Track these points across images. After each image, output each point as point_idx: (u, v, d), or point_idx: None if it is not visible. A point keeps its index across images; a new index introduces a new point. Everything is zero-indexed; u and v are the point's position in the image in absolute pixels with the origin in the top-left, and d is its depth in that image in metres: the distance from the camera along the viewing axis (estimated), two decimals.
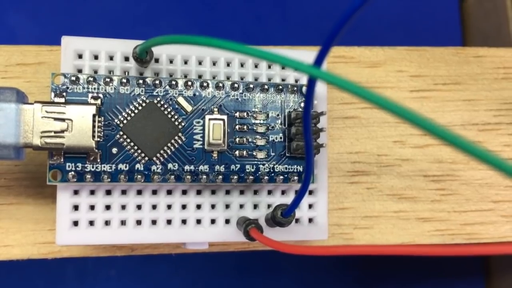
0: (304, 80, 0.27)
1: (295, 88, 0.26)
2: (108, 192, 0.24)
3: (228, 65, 0.26)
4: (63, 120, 0.22)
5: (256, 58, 0.23)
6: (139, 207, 0.25)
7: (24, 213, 0.27)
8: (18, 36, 0.43)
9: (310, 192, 0.26)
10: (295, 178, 0.25)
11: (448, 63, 0.31)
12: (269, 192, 0.26)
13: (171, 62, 0.25)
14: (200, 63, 0.26)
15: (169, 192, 0.25)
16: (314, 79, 0.18)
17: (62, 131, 0.22)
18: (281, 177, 0.25)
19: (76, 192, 0.24)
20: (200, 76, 0.26)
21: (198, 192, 0.25)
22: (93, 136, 0.22)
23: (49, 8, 0.45)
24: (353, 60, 0.30)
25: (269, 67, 0.26)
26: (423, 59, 0.31)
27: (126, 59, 0.25)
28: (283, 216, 0.23)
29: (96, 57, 0.25)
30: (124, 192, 0.25)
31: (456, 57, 0.31)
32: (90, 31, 0.45)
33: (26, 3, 0.44)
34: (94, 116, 0.22)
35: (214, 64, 0.26)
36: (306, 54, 0.27)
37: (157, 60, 0.25)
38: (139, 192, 0.25)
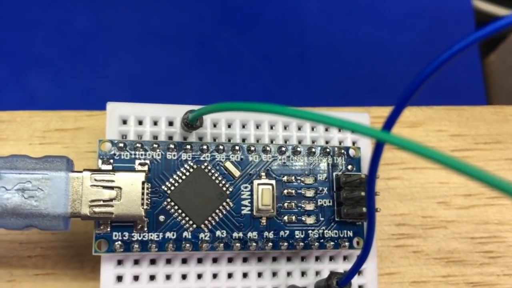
0: (348, 142, 0.26)
1: (342, 151, 0.25)
2: (153, 262, 0.24)
3: (271, 128, 0.26)
4: (112, 188, 0.21)
5: (320, 124, 0.23)
6: (184, 276, 0.24)
7: (61, 284, 0.26)
8: (54, 101, 0.44)
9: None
10: (346, 244, 0.24)
11: (488, 122, 0.31)
12: (317, 259, 0.25)
13: (214, 126, 0.25)
14: (243, 126, 0.25)
15: (215, 260, 0.24)
16: (382, 144, 0.17)
17: (111, 200, 0.21)
18: (332, 243, 0.24)
19: (120, 262, 0.23)
20: (244, 140, 0.25)
21: (244, 260, 0.24)
22: (142, 204, 0.22)
23: (71, 73, 0.46)
24: None
25: (313, 129, 0.26)
26: (462, 118, 0.31)
27: (170, 123, 0.25)
28: (339, 285, 0.22)
29: (140, 123, 0.24)
30: (169, 261, 0.24)
31: (495, 115, 0.31)
32: (115, 93, 0.45)
33: (55, 69, 0.45)
34: (143, 183, 0.22)
35: (257, 127, 0.26)
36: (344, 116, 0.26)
37: None
38: (184, 261, 0.24)
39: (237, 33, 0.48)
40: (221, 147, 0.24)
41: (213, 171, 0.24)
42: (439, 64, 0.15)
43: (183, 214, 0.23)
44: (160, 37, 0.47)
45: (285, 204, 0.24)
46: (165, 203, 0.23)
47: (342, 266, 0.25)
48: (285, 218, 0.24)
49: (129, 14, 0.47)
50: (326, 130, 0.26)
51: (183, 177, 0.23)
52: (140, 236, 0.22)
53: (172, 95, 0.46)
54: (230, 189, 0.24)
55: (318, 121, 0.17)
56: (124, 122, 0.24)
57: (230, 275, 0.24)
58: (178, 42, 0.47)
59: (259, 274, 0.24)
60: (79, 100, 0.43)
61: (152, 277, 0.23)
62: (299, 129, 0.26)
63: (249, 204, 0.24)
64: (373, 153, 0.18)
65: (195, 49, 0.47)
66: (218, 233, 0.23)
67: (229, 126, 0.25)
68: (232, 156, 0.24)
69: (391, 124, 0.17)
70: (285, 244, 0.24)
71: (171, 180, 0.23)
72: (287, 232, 0.24)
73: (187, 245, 0.23)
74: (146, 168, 0.23)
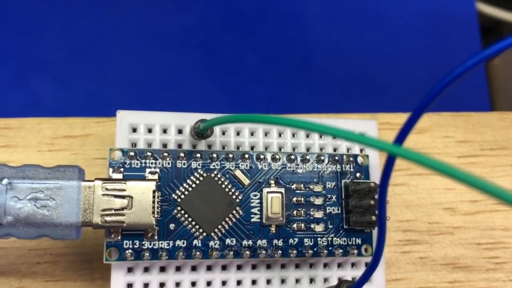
0: (356, 149, 0.26)
1: (351, 158, 0.25)
2: (163, 269, 0.24)
3: (280, 135, 0.26)
4: (123, 197, 0.22)
5: (331, 136, 0.23)
6: (193, 283, 0.24)
7: None
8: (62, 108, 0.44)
9: (366, 265, 0.26)
10: (355, 251, 0.24)
11: (494, 128, 0.31)
12: (325, 265, 0.25)
13: (223, 133, 0.25)
14: (252, 134, 0.26)
15: (224, 268, 0.24)
16: (394, 156, 0.17)
17: (122, 209, 0.21)
18: (340, 250, 0.24)
19: (130, 270, 0.23)
20: (253, 147, 0.25)
21: (253, 267, 0.25)
22: (153, 213, 0.22)
23: (77, 77, 0.46)
24: (399, 126, 0.30)
25: (321, 136, 0.26)
26: (468, 124, 0.31)
27: (180, 131, 0.25)
28: None
29: (150, 131, 0.25)
30: (178, 269, 0.24)
31: (501, 122, 0.31)
32: (118, 98, 0.45)
33: (66, 76, 0.45)
34: (154, 192, 0.22)
35: (266, 135, 0.26)
36: (347, 123, 0.27)
37: None
38: (194, 268, 0.24)
39: (242, 37, 0.48)
40: (230, 155, 0.24)
41: (222, 179, 0.24)
42: (450, 80, 0.15)
43: (193, 222, 0.23)
44: (164, 40, 0.47)
45: (294, 212, 0.24)
46: (175, 211, 0.23)
47: (350, 273, 0.25)
48: (294, 226, 0.24)
49: (134, 18, 0.47)
50: (334, 137, 0.26)
51: (193, 185, 0.23)
52: (150, 245, 0.22)
53: (177, 98, 0.46)
54: (240, 197, 0.24)
55: (329, 133, 0.17)
56: (134, 130, 0.24)
57: (239, 282, 0.24)
58: (183, 45, 0.47)
59: (268, 281, 0.25)
60: (83, 101, 0.44)
61: (162, 285, 0.24)
62: (307, 136, 0.26)
63: (259, 212, 0.24)
64: (384, 166, 0.18)
65: (200, 52, 0.47)
66: (228, 241, 0.23)
67: (238, 133, 0.25)
68: (242, 164, 0.24)
69: (402, 138, 0.17)
70: (294, 251, 0.24)
71: (181, 188, 0.23)
72: (296, 240, 0.24)
73: (197, 253, 0.23)
74: (156, 176, 0.23)
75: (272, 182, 0.24)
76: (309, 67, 0.48)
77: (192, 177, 0.23)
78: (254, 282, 0.24)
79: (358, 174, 0.25)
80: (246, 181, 0.24)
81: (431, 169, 0.16)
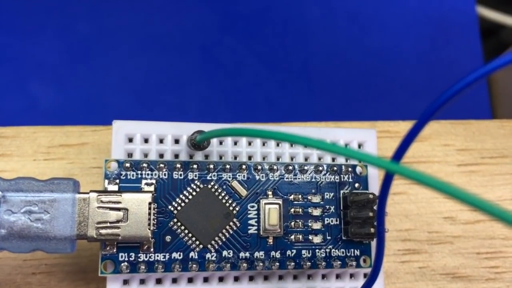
0: (354, 160, 0.26)
1: (349, 169, 0.25)
2: (159, 281, 0.23)
3: (278, 145, 0.26)
4: (118, 209, 0.21)
5: (332, 154, 0.23)
6: None
7: None
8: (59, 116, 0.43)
9: (364, 276, 0.25)
10: (353, 263, 0.24)
11: (494, 136, 0.30)
12: (323, 277, 0.25)
13: (220, 143, 0.25)
14: (250, 144, 0.25)
15: (221, 280, 0.24)
16: (392, 174, 0.17)
17: (118, 221, 0.21)
18: (339, 262, 0.24)
19: (126, 282, 0.23)
20: (250, 157, 0.25)
21: (251, 279, 0.24)
22: (149, 225, 0.22)
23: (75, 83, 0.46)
24: (398, 134, 0.30)
25: None
26: (468, 132, 0.30)
27: (176, 141, 0.24)
28: None
29: (146, 141, 0.24)
30: (175, 281, 0.24)
31: (502, 130, 0.31)
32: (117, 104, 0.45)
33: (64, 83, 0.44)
34: (149, 204, 0.22)
35: (264, 144, 0.25)
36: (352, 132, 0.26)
37: None
38: (190, 280, 0.24)
39: (241, 43, 0.47)
40: (227, 166, 0.24)
41: (219, 190, 0.23)
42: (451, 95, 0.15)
43: (190, 234, 0.23)
44: (163, 46, 0.47)
45: (292, 223, 0.24)
46: (171, 223, 0.23)
47: (349, 285, 0.25)
48: (292, 237, 0.24)
49: (132, 24, 0.47)
50: (333, 153, 0.26)
51: (190, 197, 0.23)
52: (146, 257, 0.22)
53: (175, 103, 0.45)
54: (237, 209, 0.23)
55: (328, 150, 0.17)
56: (130, 140, 0.24)
57: None
58: (181, 50, 0.47)
59: None
60: (79, 106, 0.43)
61: None
62: (305, 146, 0.26)
63: (256, 224, 0.23)
64: (383, 181, 0.18)
65: (198, 57, 0.47)
66: (224, 253, 0.23)
67: (235, 143, 0.25)
68: (239, 175, 0.24)
69: (400, 156, 0.17)
70: (292, 263, 0.23)
71: (177, 200, 0.23)
72: (294, 251, 0.24)
73: (194, 265, 0.22)
74: (152, 188, 0.23)
75: (270, 193, 0.24)
76: (308, 73, 0.47)
77: (188, 188, 0.23)
78: None
79: (356, 185, 0.25)
80: (243, 192, 0.24)
81: (430, 188, 0.15)
